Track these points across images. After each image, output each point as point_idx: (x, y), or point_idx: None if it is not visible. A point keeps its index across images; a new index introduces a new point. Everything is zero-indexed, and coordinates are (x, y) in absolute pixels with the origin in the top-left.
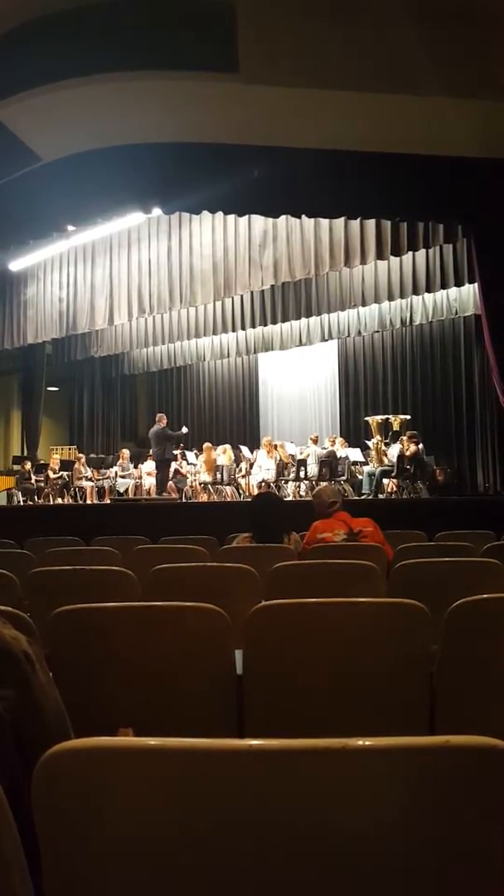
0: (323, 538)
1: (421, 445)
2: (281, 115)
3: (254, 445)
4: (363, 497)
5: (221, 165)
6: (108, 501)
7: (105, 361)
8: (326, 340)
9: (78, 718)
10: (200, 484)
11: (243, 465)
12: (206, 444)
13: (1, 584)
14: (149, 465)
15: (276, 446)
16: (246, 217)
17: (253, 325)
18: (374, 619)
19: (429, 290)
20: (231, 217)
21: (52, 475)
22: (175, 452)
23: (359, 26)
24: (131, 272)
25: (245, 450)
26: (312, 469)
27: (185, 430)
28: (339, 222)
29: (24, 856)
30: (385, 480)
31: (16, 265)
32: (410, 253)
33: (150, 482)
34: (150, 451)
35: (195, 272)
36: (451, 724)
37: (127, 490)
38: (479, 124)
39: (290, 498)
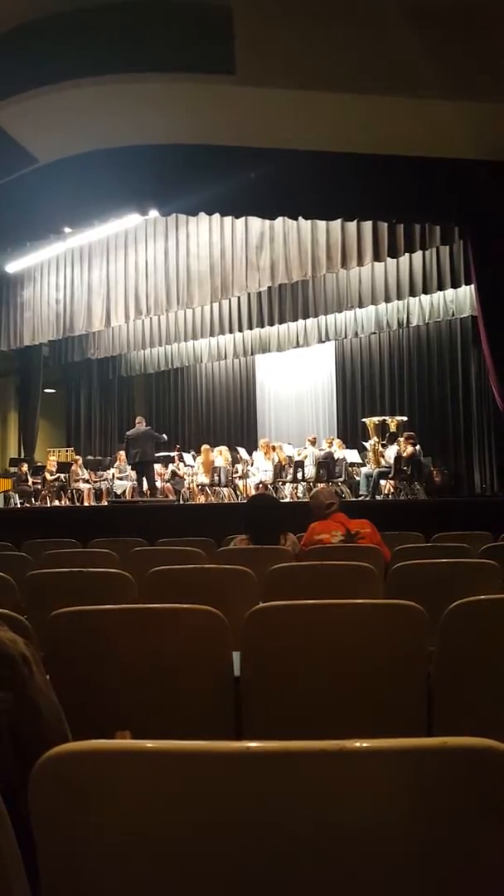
0: (320, 539)
1: (418, 446)
2: (278, 117)
3: (251, 447)
4: (360, 498)
5: (218, 167)
6: (106, 503)
7: (102, 363)
8: (323, 342)
9: (75, 720)
10: (198, 486)
11: (240, 467)
12: (204, 446)
13: None
14: None
15: (273, 448)
16: (243, 219)
17: (250, 327)
18: (372, 621)
19: (425, 291)
20: (228, 219)
21: (49, 477)
22: (173, 455)
23: (356, 28)
24: (128, 274)
25: (242, 451)
26: (310, 470)
27: (164, 437)
28: (336, 224)
29: (22, 859)
30: (382, 482)
31: (12, 267)
32: (407, 254)
33: (146, 484)
34: (127, 453)
35: (192, 274)
36: (448, 726)
37: (124, 492)
38: (476, 126)
39: (287, 499)
